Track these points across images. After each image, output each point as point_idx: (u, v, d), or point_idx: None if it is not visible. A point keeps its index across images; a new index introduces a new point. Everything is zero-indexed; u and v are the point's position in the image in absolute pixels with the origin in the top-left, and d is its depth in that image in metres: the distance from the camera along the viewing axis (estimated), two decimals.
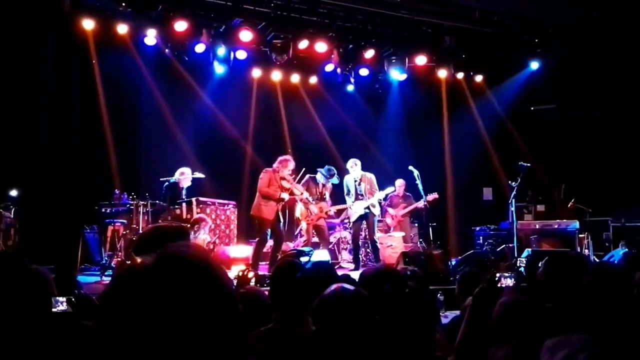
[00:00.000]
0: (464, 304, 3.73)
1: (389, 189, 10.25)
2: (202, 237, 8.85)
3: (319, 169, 10.00)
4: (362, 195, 9.83)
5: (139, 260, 1.15)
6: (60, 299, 2.85)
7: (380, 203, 10.46)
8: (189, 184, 9.60)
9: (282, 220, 9.27)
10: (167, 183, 9.46)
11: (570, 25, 11.45)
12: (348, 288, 2.30)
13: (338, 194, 10.36)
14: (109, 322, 1.07)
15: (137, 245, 6.71)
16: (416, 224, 11.47)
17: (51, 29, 9.61)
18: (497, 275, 3.38)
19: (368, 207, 9.80)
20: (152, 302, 1.04)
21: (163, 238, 5.98)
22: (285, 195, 9.07)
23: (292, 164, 9.29)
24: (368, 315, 2.22)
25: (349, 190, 9.99)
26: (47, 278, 3.33)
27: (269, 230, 9.04)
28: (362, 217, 9.90)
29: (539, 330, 2.45)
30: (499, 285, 3.30)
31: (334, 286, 2.31)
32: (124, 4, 9.74)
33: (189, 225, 8.50)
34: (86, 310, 2.89)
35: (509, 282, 3.47)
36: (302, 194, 9.61)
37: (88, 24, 9.79)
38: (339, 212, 10.89)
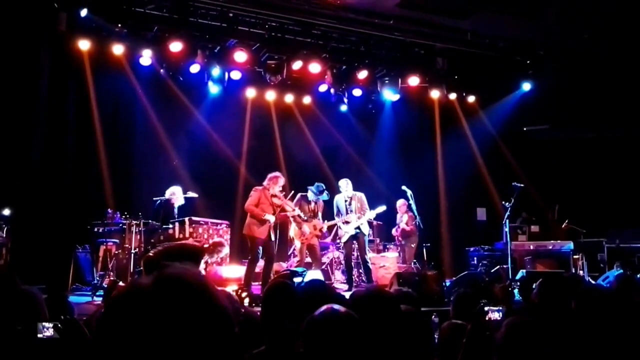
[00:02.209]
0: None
1: (380, 208, 10.22)
2: (213, 260, 8.84)
3: (309, 187, 10.00)
4: (359, 216, 9.85)
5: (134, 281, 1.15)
6: (47, 324, 2.80)
7: (371, 222, 10.45)
8: (182, 202, 9.58)
9: (273, 239, 9.23)
10: (158, 202, 9.43)
11: (562, 47, 11.58)
12: (338, 309, 2.27)
13: (329, 211, 10.34)
14: (106, 342, 1.06)
15: (149, 263, 6.65)
16: (413, 245, 11.42)
17: (46, 49, 9.64)
18: (485, 308, 3.37)
19: (358, 227, 9.80)
20: (150, 323, 1.04)
21: (174, 258, 5.95)
22: (270, 217, 8.95)
23: (282, 181, 9.27)
24: (359, 337, 2.19)
25: (338, 210, 9.99)
26: (38, 299, 3.30)
27: (261, 249, 9.00)
28: (353, 237, 9.89)
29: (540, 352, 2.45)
30: (487, 318, 3.30)
31: (323, 307, 2.28)
32: (119, 25, 9.78)
33: (206, 247, 8.49)
34: (74, 335, 2.85)
35: (497, 315, 3.45)
36: (293, 210, 9.60)
37: (84, 45, 9.81)
38: (331, 228, 10.83)
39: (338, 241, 10.94)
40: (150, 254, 7.63)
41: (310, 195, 9.98)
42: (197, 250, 7.97)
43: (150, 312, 1.05)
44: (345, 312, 2.25)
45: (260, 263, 9.18)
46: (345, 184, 9.96)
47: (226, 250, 9.06)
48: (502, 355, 2.60)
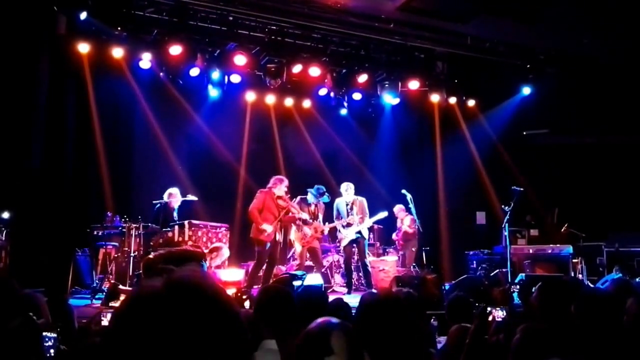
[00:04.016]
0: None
1: (381, 214, 10.25)
2: (215, 264, 8.84)
3: (308, 190, 10.02)
4: (361, 217, 9.86)
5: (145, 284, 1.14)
6: (50, 334, 2.78)
7: (371, 226, 10.46)
8: (179, 203, 9.59)
9: (281, 242, 9.28)
10: (158, 205, 9.43)
11: (562, 51, 11.60)
12: (333, 322, 2.25)
13: (329, 214, 10.35)
14: (118, 347, 1.06)
15: (149, 267, 6.64)
16: (414, 249, 11.44)
17: (46, 53, 9.64)
18: (489, 308, 3.37)
19: (359, 231, 9.82)
20: (162, 328, 1.04)
21: (175, 262, 5.96)
22: (268, 227, 8.95)
23: (286, 182, 9.33)
24: (356, 347, 2.17)
25: (339, 213, 10.00)
26: (39, 302, 3.30)
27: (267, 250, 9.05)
28: (353, 242, 9.92)
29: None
30: (490, 318, 3.30)
31: (319, 320, 2.26)
32: (119, 28, 9.79)
33: (206, 251, 8.49)
34: None
35: (501, 314, 3.47)
36: (299, 212, 9.62)
37: (83, 48, 9.83)
38: (332, 230, 10.83)
39: (338, 244, 10.95)
40: (151, 257, 7.63)
41: (310, 197, 10.00)
42: (198, 255, 7.97)
43: (163, 317, 1.05)
44: (340, 323, 2.23)
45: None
46: (345, 188, 9.98)
47: (226, 253, 9.07)
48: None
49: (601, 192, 11.94)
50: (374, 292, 7.84)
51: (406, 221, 11.33)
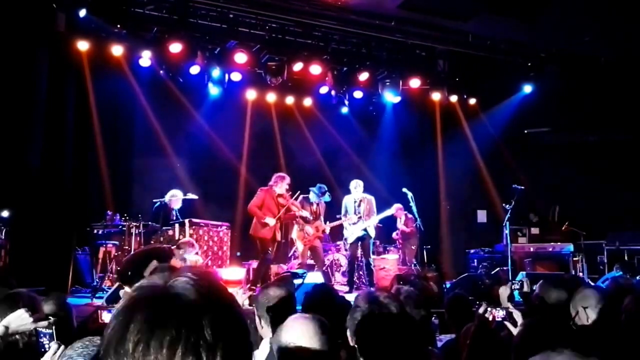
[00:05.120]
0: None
1: (388, 211, 10.24)
2: (192, 259, 8.74)
3: (310, 188, 10.00)
4: (360, 216, 9.84)
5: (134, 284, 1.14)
6: (46, 330, 2.76)
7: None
8: (180, 205, 9.58)
9: (279, 240, 9.28)
10: (158, 204, 9.42)
11: (563, 49, 11.57)
12: (306, 316, 2.24)
13: (331, 212, 10.34)
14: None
15: (123, 274, 6.62)
16: (413, 247, 11.46)
17: (45, 50, 9.61)
18: (488, 308, 3.35)
19: (365, 229, 9.79)
20: (165, 326, 1.04)
21: (145, 262, 5.90)
22: (270, 221, 8.96)
23: (287, 180, 9.32)
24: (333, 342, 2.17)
25: (346, 211, 9.97)
26: (35, 299, 3.28)
27: (271, 248, 9.05)
28: (358, 239, 9.88)
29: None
30: (490, 317, 3.28)
31: (293, 316, 2.27)
32: (119, 26, 9.76)
33: (174, 247, 8.41)
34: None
35: (501, 313, 3.44)
36: (299, 210, 9.61)
37: (82, 45, 9.79)
38: (333, 230, 10.83)
39: (339, 243, 10.93)
40: (119, 269, 7.60)
41: (312, 196, 9.98)
42: (164, 252, 7.84)
43: (165, 315, 1.05)
44: (316, 317, 2.24)
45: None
46: (355, 186, 9.96)
47: (195, 249, 8.96)
48: (520, 355, 2.57)
49: (602, 190, 11.91)
50: (371, 290, 7.82)
51: (402, 220, 11.38)
